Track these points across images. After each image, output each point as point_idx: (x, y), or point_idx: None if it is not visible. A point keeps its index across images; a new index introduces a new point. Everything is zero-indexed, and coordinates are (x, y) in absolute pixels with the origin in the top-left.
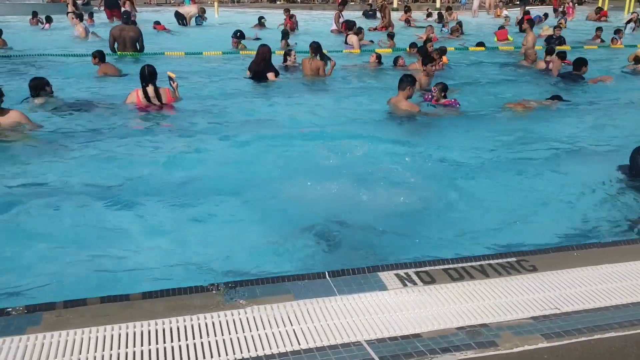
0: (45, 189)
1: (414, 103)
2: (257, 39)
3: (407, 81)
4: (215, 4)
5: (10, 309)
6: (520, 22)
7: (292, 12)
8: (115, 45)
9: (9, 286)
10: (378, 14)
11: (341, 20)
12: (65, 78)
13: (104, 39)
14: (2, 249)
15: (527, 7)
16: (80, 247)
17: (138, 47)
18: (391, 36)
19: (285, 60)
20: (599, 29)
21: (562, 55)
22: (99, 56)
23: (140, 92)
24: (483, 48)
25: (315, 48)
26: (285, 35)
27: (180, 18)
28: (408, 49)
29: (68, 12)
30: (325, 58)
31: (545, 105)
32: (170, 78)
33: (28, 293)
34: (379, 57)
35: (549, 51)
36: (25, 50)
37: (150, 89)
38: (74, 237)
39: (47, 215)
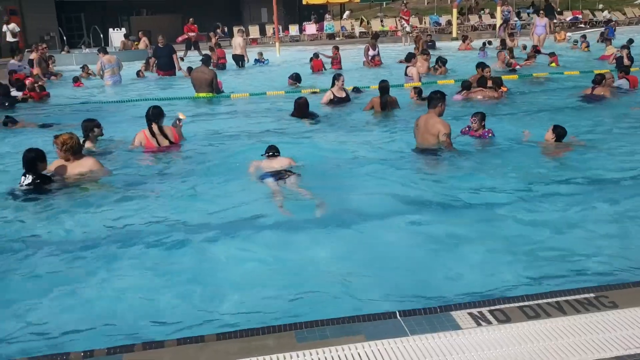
0: (115, 231)
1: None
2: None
3: (438, 98)
4: (277, 43)
5: (92, 351)
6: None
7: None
8: None
9: (88, 327)
10: (437, 45)
11: (371, 53)
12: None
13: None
14: (86, 293)
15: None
16: (159, 288)
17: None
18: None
19: (333, 84)
20: None
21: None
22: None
23: (148, 133)
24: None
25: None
26: None
27: (239, 59)
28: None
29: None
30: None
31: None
32: (179, 119)
33: (109, 334)
34: (419, 91)
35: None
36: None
37: (154, 128)
38: (153, 279)
39: (129, 257)
